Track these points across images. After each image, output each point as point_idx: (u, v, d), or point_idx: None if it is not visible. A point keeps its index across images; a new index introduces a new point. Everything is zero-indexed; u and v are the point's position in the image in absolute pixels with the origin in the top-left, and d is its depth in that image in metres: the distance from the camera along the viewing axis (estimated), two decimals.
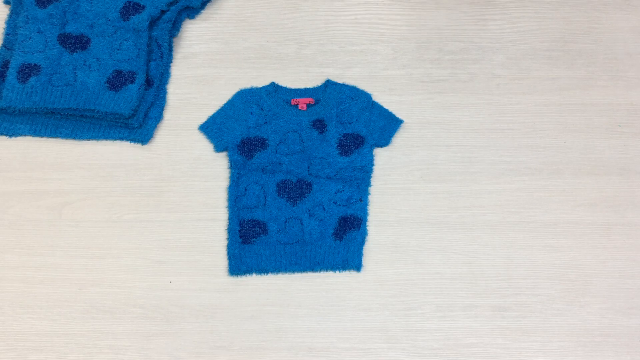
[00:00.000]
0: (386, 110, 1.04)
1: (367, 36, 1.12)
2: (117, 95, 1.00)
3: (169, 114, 1.04)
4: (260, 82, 1.06)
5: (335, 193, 0.98)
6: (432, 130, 1.05)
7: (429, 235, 0.97)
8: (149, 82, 1.04)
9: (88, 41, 1.04)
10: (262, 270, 0.94)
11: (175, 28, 1.09)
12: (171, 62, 1.07)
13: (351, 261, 0.95)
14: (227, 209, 0.97)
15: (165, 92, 1.05)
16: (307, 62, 1.09)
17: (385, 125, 1.03)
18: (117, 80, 1.01)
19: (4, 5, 1.09)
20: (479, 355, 0.91)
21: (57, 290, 0.92)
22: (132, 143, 1.01)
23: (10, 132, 1.00)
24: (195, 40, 1.10)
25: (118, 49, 1.04)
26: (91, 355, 0.89)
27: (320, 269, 0.95)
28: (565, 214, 1.00)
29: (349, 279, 0.95)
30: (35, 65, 1.00)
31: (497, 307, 0.94)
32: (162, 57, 1.06)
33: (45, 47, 1.02)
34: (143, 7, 1.06)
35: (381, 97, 1.06)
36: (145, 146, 1.01)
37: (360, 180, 0.99)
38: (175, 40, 1.09)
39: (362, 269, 0.95)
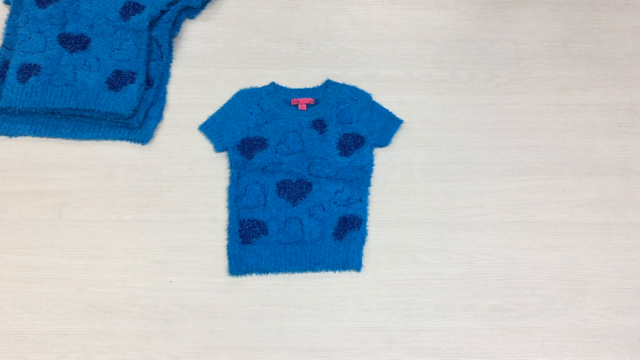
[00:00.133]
0: (386, 110, 1.04)
1: (367, 36, 1.12)
2: (117, 95, 1.00)
3: (169, 114, 1.04)
4: (260, 82, 1.06)
5: (335, 193, 0.98)
6: (432, 130, 1.05)
7: (428, 235, 0.97)
8: (149, 82, 1.04)
9: (88, 41, 1.04)
10: (262, 270, 0.94)
11: (175, 28, 1.09)
12: (171, 62, 1.07)
13: (351, 261, 0.95)
14: (227, 209, 0.97)
15: (165, 92, 1.05)
16: (307, 62, 1.09)
17: (385, 125, 1.03)
18: (117, 80, 1.01)
19: (4, 5, 1.09)
20: (479, 355, 0.91)
21: (57, 290, 0.92)
22: (132, 143, 1.01)
23: (10, 132, 1.00)
24: (195, 40, 1.10)
25: (118, 49, 1.04)
26: (91, 355, 0.89)
27: (320, 269, 0.95)
28: (565, 214, 1.00)
29: (349, 279, 0.95)
30: (35, 65, 1.00)
31: (497, 307, 0.94)
32: (162, 57, 1.06)
33: (45, 47, 1.02)
34: (143, 7, 1.06)
35: (381, 97, 1.06)
36: (145, 146, 1.01)
37: (360, 180, 0.99)
38: (175, 40, 1.09)
39: (362, 269, 0.95)
